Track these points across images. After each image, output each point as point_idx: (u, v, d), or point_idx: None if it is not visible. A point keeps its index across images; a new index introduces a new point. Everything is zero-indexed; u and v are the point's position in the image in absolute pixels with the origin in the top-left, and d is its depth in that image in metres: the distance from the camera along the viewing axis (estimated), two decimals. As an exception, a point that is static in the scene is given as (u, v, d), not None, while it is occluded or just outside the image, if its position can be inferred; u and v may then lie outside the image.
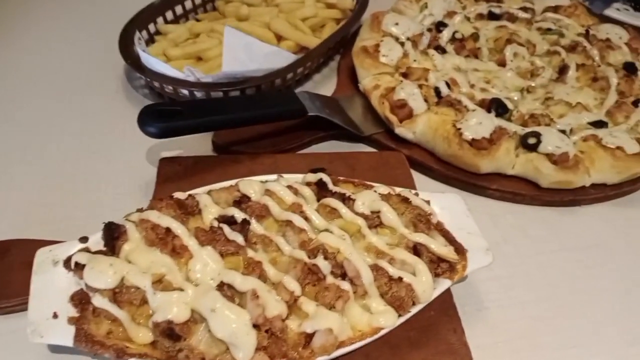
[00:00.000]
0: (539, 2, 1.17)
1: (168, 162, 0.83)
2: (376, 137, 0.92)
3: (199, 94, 0.92)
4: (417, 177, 0.87)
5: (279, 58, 0.95)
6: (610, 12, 1.25)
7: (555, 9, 1.15)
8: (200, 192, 0.69)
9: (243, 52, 0.90)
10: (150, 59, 0.91)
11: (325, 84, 1.07)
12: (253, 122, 0.83)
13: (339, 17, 1.16)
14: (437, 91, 0.92)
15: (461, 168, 0.85)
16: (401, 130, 0.88)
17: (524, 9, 1.14)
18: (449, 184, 0.87)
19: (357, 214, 0.65)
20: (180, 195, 0.66)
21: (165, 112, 0.77)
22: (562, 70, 1.00)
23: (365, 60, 0.97)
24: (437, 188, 0.87)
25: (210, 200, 0.66)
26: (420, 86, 0.92)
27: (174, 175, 0.82)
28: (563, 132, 0.86)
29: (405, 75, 0.95)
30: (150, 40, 1.07)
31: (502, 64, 1.02)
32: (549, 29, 1.10)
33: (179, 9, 1.13)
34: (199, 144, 0.89)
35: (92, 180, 0.84)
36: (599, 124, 0.89)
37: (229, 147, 0.88)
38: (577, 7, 1.16)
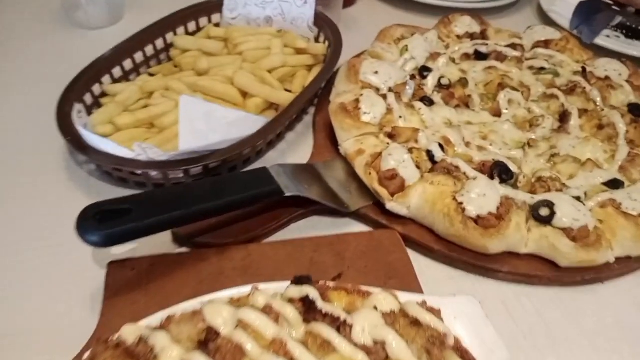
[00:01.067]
0: (528, 37, 1.08)
1: (118, 267, 0.69)
2: (364, 212, 0.79)
3: (153, 174, 0.78)
4: (416, 258, 0.75)
5: (246, 124, 0.82)
6: (601, 40, 1.17)
7: (546, 43, 1.06)
8: (156, 320, 0.55)
9: (203, 122, 0.77)
10: (92, 137, 0.76)
11: (300, 144, 0.94)
12: (220, 213, 0.70)
13: (310, 63, 1.04)
14: (430, 155, 0.80)
15: (466, 247, 0.73)
16: (393, 206, 0.76)
17: (513, 46, 1.04)
18: (454, 266, 0.75)
19: (356, 345, 0.52)
20: (129, 335, 0.52)
21: (110, 212, 0.64)
22: (563, 117, 0.90)
23: (345, 120, 0.84)
24: (440, 272, 0.74)
25: (168, 340, 0.52)
26: (410, 150, 0.80)
27: (125, 284, 0.67)
28: (577, 198, 0.75)
29: (391, 136, 0.83)
30: (96, 104, 0.92)
31: (496, 113, 0.91)
32: (542, 68, 1.00)
33: (128, 64, 0.99)
34: (155, 235, 0.75)
35: (20, 293, 0.69)
36: (614, 184, 0.79)
37: (192, 238, 0.74)
38: (569, 40, 1.07)
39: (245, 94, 0.93)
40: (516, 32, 1.10)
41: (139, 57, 1.00)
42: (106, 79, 0.95)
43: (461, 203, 0.73)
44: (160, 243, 0.74)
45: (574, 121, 0.88)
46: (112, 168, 0.80)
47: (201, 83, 0.91)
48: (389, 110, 0.87)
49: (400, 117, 0.86)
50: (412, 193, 0.76)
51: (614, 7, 1.26)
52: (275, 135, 0.90)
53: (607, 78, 0.97)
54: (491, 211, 0.72)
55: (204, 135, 0.76)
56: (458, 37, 1.06)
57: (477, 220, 0.72)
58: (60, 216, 0.77)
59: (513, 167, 0.79)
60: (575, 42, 1.07)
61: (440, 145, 0.81)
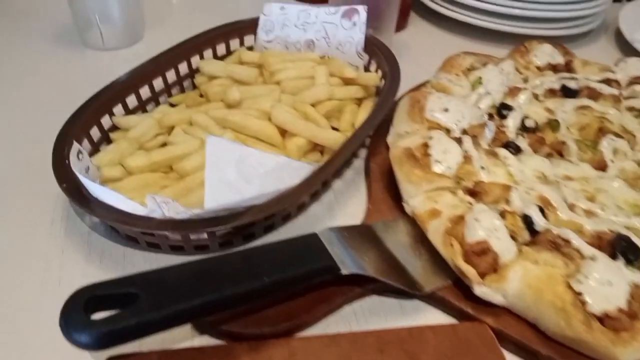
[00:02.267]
0: (622, 71, 0.90)
1: (118, 367, 0.51)
2: (442, 295, 0.61)
3: (171, 235, 0.61)
4: (512, 361, 0.56)
5: (287, 172, 0.64)
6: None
7: (645, 79, 0.88)
8: None
9: (234, 171, 0.60)
10: (94, 186, 0.59)
11: (350, 195, 0.76)
12: (256, 298, 0.52)
13: (360, 96, 0.87)
14: (527, 221, 0.62)
15: (587, 354, 0.54)
16: (485, 292, 0.57)
17: (607, 82, 0.86)
18: (567, 378, 0.56)
19: None
20: None
21: (107, 299, 0.46)
22: (687, 174, 0.71)
23: (413, 171, 0.67)
24: (549, 386, 0.55)
25: None
26: (502, 214, 0.62)
27: (126, 395, 0.49)
28: None
29: (474, 193, 0.65)
30: (104, 139, 0.76)
31: (600, 166, 0.72)
32: (646, 110, 0.82)
33: (145, 91, 0.83)
34: (170, 319, 0.57)
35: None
36: None
37: (217, 326, 0.56)
38: (672, 77, 0.89)
39: (284, 133, 0.76)
40: (605, 64, 0.92)
41: (158, 83, 0.84)
42: (118, 109, 0.79)
43: (579, 293, 0.54)
44: (175, 331, 0.57)
45: (702, 180, 0.70)
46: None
47: (232, 118, 0.75)
48: (467, 159, 0.69)
49: (482, 168, 0.68)
50: (510, 275, 0.57)
51: None
52: (322, 185, 0.72)
53: None
54: (621, 307, 0.53)
55: (236, 188, 0.59)
56: (538, 68, 0.89)
57: (603, 319, 0.53)
58: (48, 286, 0.60)
59: (637, 242, 0.61)
60: (679, 78, 0.89)
61: (541, 210, 0.63)
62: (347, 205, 0.74)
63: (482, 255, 0.58)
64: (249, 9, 1.21)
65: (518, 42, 0.98)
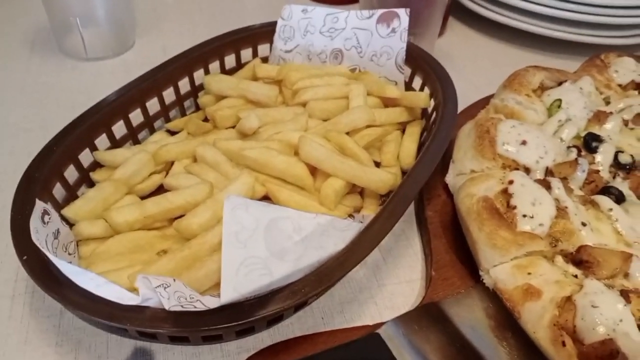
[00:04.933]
0: None
1: None
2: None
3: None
4: None
5: (331, 235, 0.48)
6: None
7: None
8: None
9: (263, 244, 0.43)
10: (64, 266, 0.42)
11: (401, 252, 0.59)
12: None
13: (404, 119, 0.70)
14: (659, 305, 0.45)
15: None
16: (617, 416, 0.41)
17: None
18: None
19: None
20: None
21: None
22: None
23: (499, 232, 0.50)
24: None
25: None
26: (625, 295, 0.45)
27: None
28: None
29: (579, 262, 0.49)
30: (84, 180, 0.59)
31: None
32: None
33: (136, 115, 0.65)
34: None
35: None
36: None
37: None
38: None
39: (314, 171, 0.59)
40: (698, 81, 0.76)
41: (152, 105, 0.67)
42: (102, 140, 0.62)
43: None
44: None
45: None
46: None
47: (250, 154, 0.58)
48: (561, 211, 0.53)
49: (584, 224, 0.52)
50: (650, 389, 0.41)
51: None
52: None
53: None
54: None
55: (264, 267, 0.42)
56: (621, 87, 0.73)
57: None
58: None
59: None
60: None
61: (674, 287, 0.47)
62: (397, 265, 0.57)
63: (605, 357, 0.42)
64: (256, 10, 1.04)
65: (574, 52, 0.82)
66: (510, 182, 0.54)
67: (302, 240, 0.45)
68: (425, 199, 0.62)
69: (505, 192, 0.54)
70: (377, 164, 0.65)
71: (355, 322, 0.51)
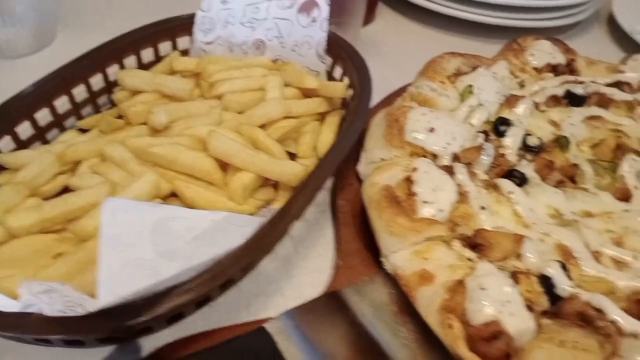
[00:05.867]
0: (631, 69, 0.75)
1: None
2: (437, 389, 0.45)
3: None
4: None
5: (229, 232, 0.47)
6: None
7: (661, 80, 0.74)
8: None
9: (149, 246, 0.42)
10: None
11: (313, 242, 0.59)
12: None
13: (323, 110, 0.70)
14: (546, 284, 0.47)
15: None
16: (500, 394, 0.42)
17: (618, 85, 0.71)
18: None
19: None
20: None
21: None
22: None
23: (396, 219, 0.50)
24: None
25: None
26: (515, 276, 0.46)
27: None
28: None
29: (475, 246, 0.50)
30: (-15, 182, 0.57)
31: (623, 195, 0.58)
32: (667, 118, 0.68)
33: (43, 115, 0.63)
34: None
35: None
36: None
37: None
38: (691, 76, 0.75)
39: (226, 166, 0.59)
40: (612, 63, 0.78)
41: (62, 103, 0.65)
42: (6, 141, 0.60)
43: (629, 395, 0.40)
44: None
45: None
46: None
47: (156, 150, 0.57)
48: (462, 196, 0.54)
49: (483, 208, 0.53)
50: (531, 366, 0.42)
51: None
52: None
53: None
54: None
55: (150, 269, 0.41)
56: (536, 70, 0.74)
57: None
58: None
59: (691, 307, 0.46)
60: (699, 77, 0.76)
61: (563, 266, 0.48)
62: (308, 256, 0.58)
63: (491, 341, 0.43)
64: (188, 2, 1.02)
65: (503, 36, 0.83)
66: (414, 169, 0.55)
67: (195, 238, 0.45)
68: (338, 188, 0.63)
69: (408, 179, 0.54)
70: (295, 156, 0.65)
71: (260, 315, 0.51)
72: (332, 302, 0.49)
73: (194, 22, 0.77)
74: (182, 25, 0.77)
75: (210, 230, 0.46)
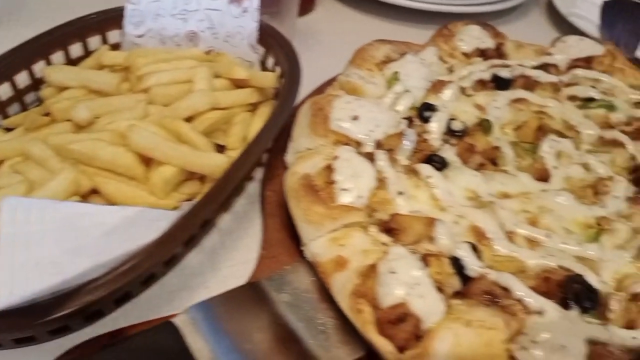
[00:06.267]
0: (560, 53, 0.77)
1: None
2: (352, 372, 0.46)
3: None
4: None
5: (141, 226, 0.47)
6: (644, 53, 0.88)
7: (587, 61, 0.75)
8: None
9: (53, 243, 0.42)
10: None
11: (241, 234, 0.59)
12: None
13: (254, 100, 0.70)
14: (456, 265, 0.48)
15: None
16: (406, 373, 0.43)
17: (544, 67, 0.73)
18: None
19: None
20: None
21: None
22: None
23: (312, 208, 0.51)
24: None
25: None
26: (425, 259, 0.47)
27: None
28: None
29: (389, 230, 0.51)
30: None
31: (542, 176, 0.60)
32: (590, 99, 0.70)
33: (-34, 114, 0.63)
34: None
35: None
36: None
37: None
38: (616, 57, 0.77)
39: (149, 161, 0.58)
40: (542, 45, 0.79)
41: (-15, 100, 0.64)
42: None
43: (526, 367, 0.41)
44: None
45: (659, 184, 0.58)
46: None
47: (75, 147, 0.56)
48: (381, 182, 0.54)
49: (400, 193, 0.54)
50: (437, 345, 0.43)
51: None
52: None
53: (685, 112, 0.68)
54: (580, 380, 0.41)
55: (55, 267, 0.41)
56: (465, 55, 0.75)
57: (560, 402, 0.40)
58: None
59: (594, 281, 0.48)
60: (623, 58, 0.78)
61: (472, 246, 0.49)
62: (235, 248, 0.58)
63: (399, 323, 0.43)
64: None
65: (443, 22, 0.83)
66: (335, 157, 0.55)
67: (104, 234, 0.45)
68: (267, 179, 0.63)
69: (329, 167, 0.54)
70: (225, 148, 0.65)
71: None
72: (249, 292, 0.49)
73: (124, 15, 0.76)
74: (110, 18, 0.75)
75: (122, 226, 0.46)
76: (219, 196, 0.52)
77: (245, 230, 0.60)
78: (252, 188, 0.64)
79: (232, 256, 0.57)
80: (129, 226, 0.46)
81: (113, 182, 0.55)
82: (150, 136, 0.57)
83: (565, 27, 1.00)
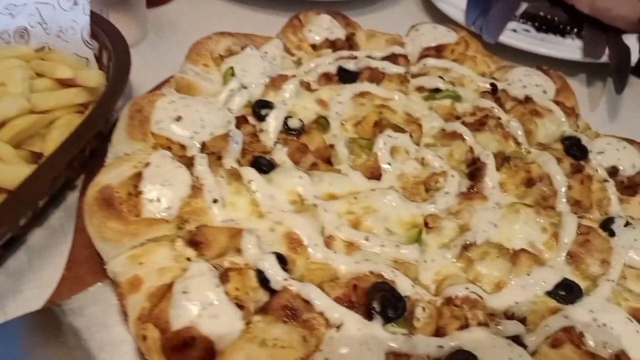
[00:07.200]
0: (412, 42, 0.75)
1: None
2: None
3: None
4: None
5: None
6: (506, 37, 0.87)
7: (438, 50, 0.74)
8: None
9: None
10: None
11: (53, 252, 0.53)
12: None
13: (82, 101, 0.64)
14: (261, 278, 0.45)
15: None
16: (191, 404, 0.40)
17: (393, 58, 0.71)
18: None
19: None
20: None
21: None
22: (475, 172, 0.59)
23: (107, 224, 0.46)
24: None
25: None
26: (225, 275, 0.44)
27: None
28: (516, 338, 0.44)
29: (195, 243, 0.47)
30: None
31: (374, 173, 0.57)
32: (436, 90, 0.68)
33: None
34: None
35: None
36: (566, 291, 0.48)
37: None
38: (469, 44, 0.76)
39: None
40: (396, 34, 0.77)
41: None
42: None
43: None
44: None
45: (491, 177, 0.57)
46: None
47: None
48: (197, 190, 0.50)
49: (215, 201, 0.50)
50: (228, 369, 0.40)
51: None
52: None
53: (528, 100, 0.68)
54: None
55: None
56: (314, 47, 0.71)
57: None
58: None
59: (405, 287, 0.46)
60: (477, 45, 0.77)
61: (280, 257, 0.46)
62: (43, 267, 0.52)
63: (187, 349, 0.40)
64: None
65: (308, 9, 0.80)
66: (147, 164, 0.51)
67: None
68: (84, 189, 0.57)
69: (138, 176, 0.50)
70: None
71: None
72: (41, 318, 0.44)
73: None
74: None
75: None
76: (16, 212, 0.46)
77: (58, 246, 0.54)
78: (73, 198, 0.59)
79: (39, 277, 0.51)
80: None
81: None
82: None
83: (439, 15, 0.99)
